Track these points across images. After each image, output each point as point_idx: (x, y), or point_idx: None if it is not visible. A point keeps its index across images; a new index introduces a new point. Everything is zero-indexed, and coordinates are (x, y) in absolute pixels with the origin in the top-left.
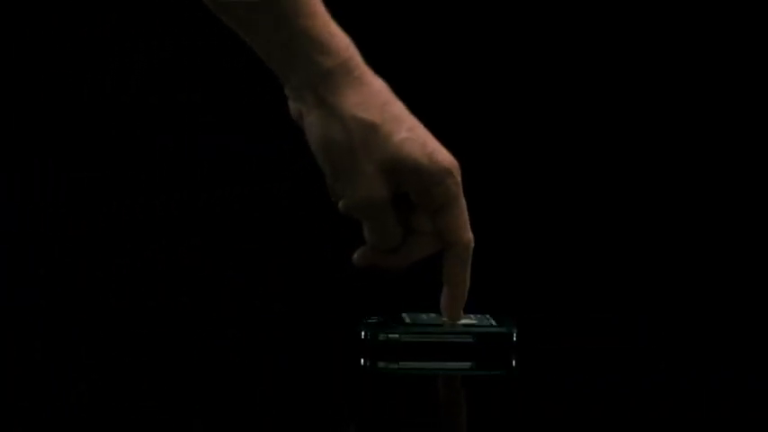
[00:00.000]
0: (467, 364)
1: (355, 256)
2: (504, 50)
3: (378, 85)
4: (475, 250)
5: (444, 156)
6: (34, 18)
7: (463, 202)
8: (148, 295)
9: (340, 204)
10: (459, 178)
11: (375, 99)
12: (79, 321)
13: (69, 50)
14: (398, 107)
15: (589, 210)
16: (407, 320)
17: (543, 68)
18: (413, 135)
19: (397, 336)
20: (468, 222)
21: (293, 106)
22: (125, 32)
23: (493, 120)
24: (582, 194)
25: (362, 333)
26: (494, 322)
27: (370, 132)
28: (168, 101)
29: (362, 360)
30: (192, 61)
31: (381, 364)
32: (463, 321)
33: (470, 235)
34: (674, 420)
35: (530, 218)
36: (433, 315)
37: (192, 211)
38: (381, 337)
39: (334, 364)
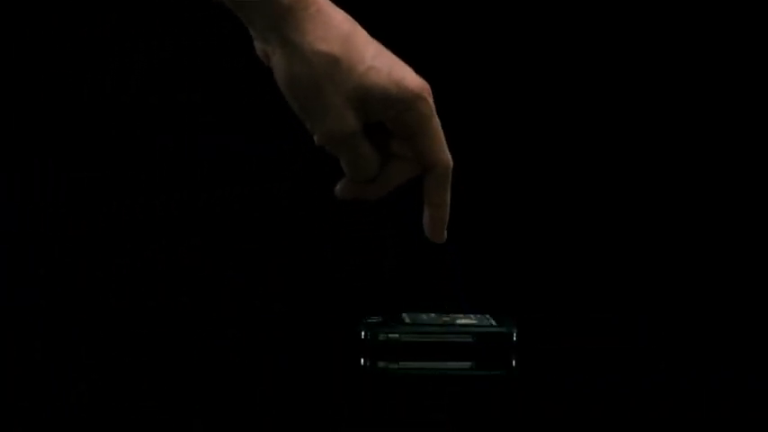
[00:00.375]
0: (467, 364)
1: (337, 188)
2: (503, 50)
3: (339, 17)
4: (475, 250)
5: (412, 80)
6: (34, 18)
7: (437, 123)
8: (148, 295)
9: (315, 140)
10: (430, 100)
11: (336, 31)
12: (79, 321)
13: (69, 50)
14: (362, 37)
15: (589, 209)
16: (407, 320)
17: (544, 72)
18: (377, 63)
19: (397, 336)
20: (444, 143)
21: (259, 47)
22: (125, 32)
23: (493, 120)
24: (582, 194)
25: (362, 333)
26: (494, 322)
27: (333, 65)
28: (168, 101)
29: (362, 360)
30: (192, 61)
31: (381, 364)
32: (463, 321)
33: (448, 156)
34: (674, 420)
35: (530, 218)
36: (432, 315)
37: (192, 211)
38: (381, 337)
39: (334, 364)
